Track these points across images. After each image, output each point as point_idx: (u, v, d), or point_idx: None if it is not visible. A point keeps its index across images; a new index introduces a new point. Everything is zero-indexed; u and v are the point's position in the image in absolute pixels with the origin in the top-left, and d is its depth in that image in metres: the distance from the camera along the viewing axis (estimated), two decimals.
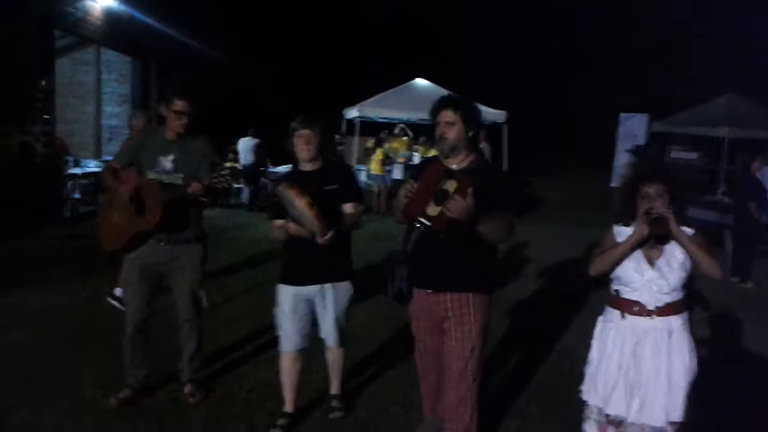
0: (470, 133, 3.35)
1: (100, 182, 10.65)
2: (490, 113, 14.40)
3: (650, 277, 3.04)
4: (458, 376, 3.32)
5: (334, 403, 4.04)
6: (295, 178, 3.76)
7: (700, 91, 18.55)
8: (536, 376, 4.83)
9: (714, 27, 24.97)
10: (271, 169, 14.74)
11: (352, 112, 15.49)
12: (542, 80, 26.23)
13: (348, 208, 3.83)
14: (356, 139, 15.55)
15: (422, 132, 15.58)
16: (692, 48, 24.41)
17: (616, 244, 3.11)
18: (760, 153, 8.69)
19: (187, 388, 4.18)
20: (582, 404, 3.25)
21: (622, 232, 3.16)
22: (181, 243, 4.06)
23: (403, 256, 3.31)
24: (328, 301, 3.83)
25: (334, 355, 4.01)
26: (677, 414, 2.99)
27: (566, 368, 4.84)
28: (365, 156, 14.63)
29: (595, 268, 3.16)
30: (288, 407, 3.93)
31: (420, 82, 16.35)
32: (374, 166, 13.86)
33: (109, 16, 12.73)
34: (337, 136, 15.64)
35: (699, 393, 3.06)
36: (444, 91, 16.43)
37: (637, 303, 3.08)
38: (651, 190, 3.06)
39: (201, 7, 15.79)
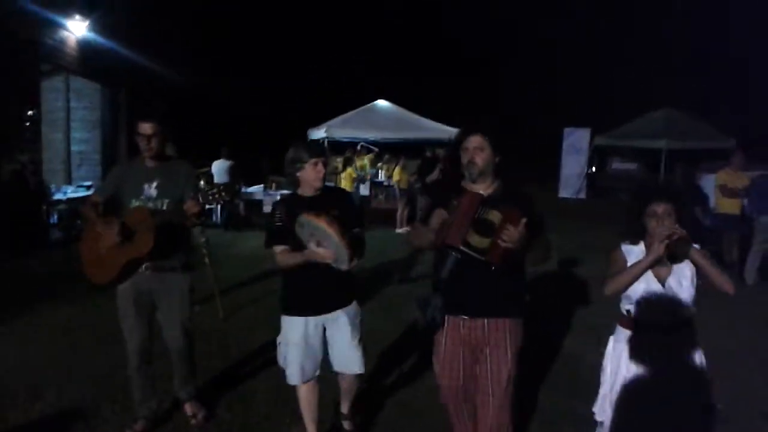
0: (497, 159, 3.29)
1: (76, 211, 11.03)
2: (447, 131, 15.25)
3: (662, 296, 3.00)
4: (499, 400, 3.27)
5: (346, 425, 4.00)
6: (299, 204, 3.61)
7: (638, 106, 19.87)
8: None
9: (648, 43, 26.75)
10: (245, 189, 15.20)
11: (319, 133, 16.07)
12: (491, 96, 27.38)
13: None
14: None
15: (385, 150, 16.38)
16: (628, 65, 26.03)
17: (632, 265, 3.06)
18: (701, 163, 9.67)
19: (188, 408, 4.09)
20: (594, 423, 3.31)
21: (632, 252, 3.13)
22: (168, 271, 3.94)
23: (436, 285, 3.23)
24: (342, 326, 3.70)
25: (348, 381, 3.87)
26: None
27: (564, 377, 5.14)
28: (333, 175, 15.17)
29: (610, 290, 3.09)
30: None
31: (382, 103, 17.23)
32: (346, 184, 14.30)
33: (82, 45, 13.07)
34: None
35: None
36: (406, 112, 17.18)
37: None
38: (659, 209, 3.00)
39: (167, 32, 16.14)
